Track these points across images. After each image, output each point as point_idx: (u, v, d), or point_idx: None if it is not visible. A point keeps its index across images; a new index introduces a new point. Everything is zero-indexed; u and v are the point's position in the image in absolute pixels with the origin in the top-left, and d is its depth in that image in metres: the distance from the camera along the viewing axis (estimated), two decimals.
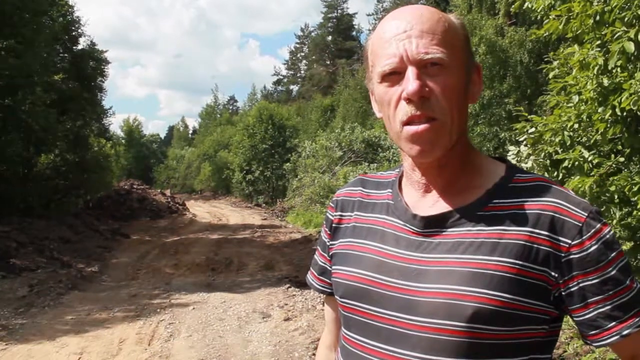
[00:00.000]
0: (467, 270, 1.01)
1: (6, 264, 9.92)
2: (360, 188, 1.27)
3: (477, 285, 0.99)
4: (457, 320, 0.98)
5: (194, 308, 7.70)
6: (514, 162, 5.12)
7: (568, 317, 1.07)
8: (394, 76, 1.04)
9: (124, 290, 8.93)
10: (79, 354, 5.89)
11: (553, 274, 1.00)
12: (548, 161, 4.37)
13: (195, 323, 7.00)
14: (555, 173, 4.33)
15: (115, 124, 72.73)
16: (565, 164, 4.01)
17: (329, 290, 1.29)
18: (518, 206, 1.04)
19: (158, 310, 7.60)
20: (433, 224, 1.08)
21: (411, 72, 1.01)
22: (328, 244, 1.29)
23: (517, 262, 1.00)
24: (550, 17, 4.12)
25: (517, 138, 5.21)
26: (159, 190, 28.31)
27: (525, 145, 4.93)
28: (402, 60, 1.02)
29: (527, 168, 4.87)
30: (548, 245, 1.00)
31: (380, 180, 1.26)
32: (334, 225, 1.27)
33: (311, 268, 1.39)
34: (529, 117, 4.71)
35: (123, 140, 46.56)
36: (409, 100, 1.01)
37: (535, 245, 1.00)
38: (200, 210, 26.53)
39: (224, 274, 10.44)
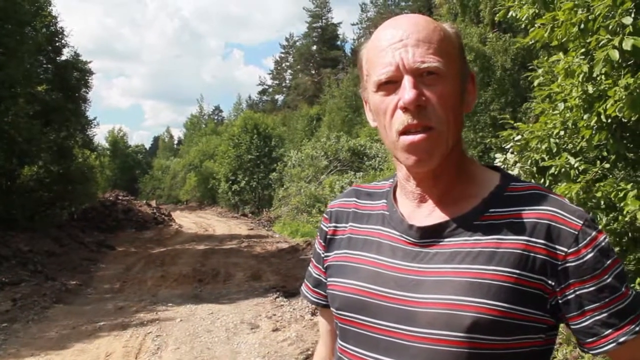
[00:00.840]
0: (464, 280, 1.00)
1: None
2: (355, 199, 1.26)
3: (475, 295, 0.99)
4: (456, 331, 0.98)
5: (181, 320, 7.62)
6: None
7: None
8: (389, 85, 1.03)
9: (110, 303, 8.82)
10: None
11: (550, 282, 1.00)
12: (534, 168, 4.40)
13: (183, 335, 6.93)
14: (542, 180, 4.36)
15: (100, 135, 72.27)
16: (552, 170, 4.04)
17: (324, 303, 1.28)
18: (514, 215, 1.04)
19: (145, 322, 7.52)
20: (429, 234, 1.07)
21: (407, 81, 1.00)
22: (323, 255, 1.27)
23: (514, 271, 0.99)
24: (536, 25, 4.16)
25: (503, 145, 5.24)
26: (144, 201, 28.11)
27: (512, 153, 4.96)
28: (398, 69, 1.01)
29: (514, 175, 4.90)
30: (544, 253, 1.00)
31: (374, 190, 1.25)
32: (328, 236, 1.26)
33: (305, 280, 1.37)
34: (514, 124, 4.75)
35: (108, 151, 46.23)
36: (405, 110, 1.01)
37: (532, 254, 1.00)
38: (187, 220, 26.37)
39: (211, 285, 10.36)
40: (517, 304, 0.99)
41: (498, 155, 5.36)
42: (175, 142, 70.83)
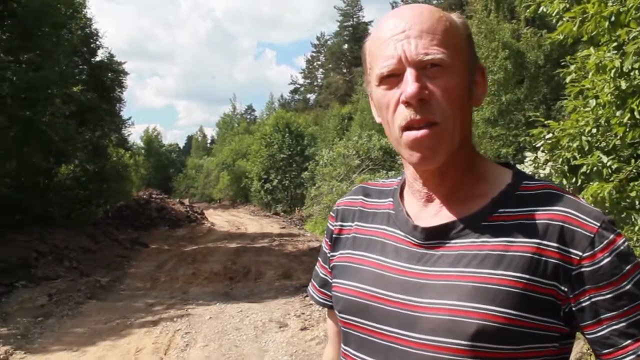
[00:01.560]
0: (470, 284, 0.95)
1: (26, 273, 10.02)
2: (362, 197, 1.22)
3: (481, 301, 0.93)
4: (460, 339, 0.93)
5: (210, 317, 7.69)
6: (531, 168, 5.05)
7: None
8: (392, 78, 0.99)
9: (141, 300, 8.96)
10: None
11: (563, 288, 0.94)
12: (566, 167, 4.28)
13: (212, 332, 6.99)
14: (574, 179, 4.25)
15: (135, 134, 73.33)
16: (584, 169, 3.93)
17: (330, 304, 1.24)
18: (525, 216, 0.99)
19: (175, 319, 7.61)
20: (435, 235, 1.03)
21: (410, 74, 0.96)
22: (329, 255, 1.24)
23: (524, 276, 0.94)
24: (564, 18, 4.05)
25: (534, 144, 5.13)
26: (177, 200, 28.48)
27: (543, 151, 4.85)
28: (400, 61, 0.97)
29: (544, 174, 4.80)
30: (557, 257, 0.94)
31: (381, 188, 1.21)
32: (334, 235, 1.22)
33: (312, 279, 1.33)
34: (545, 122, 4.64)
35: (143, 150, 46.98)
36: (407, 104, 0.96)
37: (544, 258, 0.94)
38: (219, 219, 26.62)
39: (242, 283, 10.44)
40: (526, 311, 0.93)
41: (528, 153, 5.24)
42: (209, 141, 71.55)
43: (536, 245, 0.95)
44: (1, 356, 6.16)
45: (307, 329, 7.04)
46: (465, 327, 0.93)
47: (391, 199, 1.15)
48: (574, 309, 0.95)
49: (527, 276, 0.94)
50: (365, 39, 1.10)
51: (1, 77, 12.69)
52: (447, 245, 1.01)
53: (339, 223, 1.22)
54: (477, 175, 1.07)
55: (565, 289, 0.94)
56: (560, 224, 0.96)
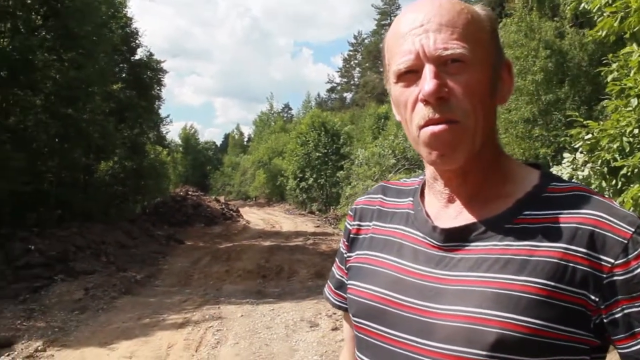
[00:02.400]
0: (490, 291, 0.89)
1: (65, 267, 10.25)
2: (381, 196, 1.16)
3: (502, 308, 0.87)
4: (478, 348, 0.87)
5: (242, 315, 7.72)
6: (568, 169, 4.90)
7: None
8: (410, 75, 0.93)
9: (175, 296, 9.06)
10: (128, 358, 5.99)
11: (593, 297, 0.87)
12: (605, 169, 4.13)
13: (243, 330, 7.01)
14: (614, 181, 4.09)
15: (173, 132, 74.69)
16: (624, 171, 3.77)
17: (346, 306, 1.17)
18: (552, 219, 0.92)
19: (207, 316, 7.66)
20: (455, 238, 0.96)
21: (428, 70, 0.90)
22: (345, 255, 1.18)
23: (549, 283, 0.87)
24: (605, 14, 3.88)
25: (572, 145, 4.98)
26: (213, 197, 28.79)
27: (582, 152, 4.69)
28: (418, 57, 0.91)
29: (583, 176, 4.65)
30: (586, 264, 0.87)
31: (402, 187, 1.15)
32: (351, 235, 1.17)
33: (328, 281, 1.28)
34: (584, 122, 4.48)
35: (180, 148, 47.64)
36: (426, 102, 0.90)
37: (571, 264, 0.87)
38: (254, 217, 26.81)
39: (274, 282, 10.46)
40: (551, 320, 0.86)
41: (566, 154, 5.09)
42: (245, 139, 72.12)
43: (564, 251, 0.88)
44: (39, 348, 6.30)
45: (338, 329, 6.98)
46: (484, 336, 0.86)
47: (411, 199, 1.10)
48: (605, 320, 0.88)
49: (553, 283, 0.87)
50: (384, 35, 1.04)
51: (45, 75, 13.05)
52: (467, 248, 0.95)
53: (357, 222, 1.17)
54: (501, 176, 1.00)
55: (596, 299, 0.87)
56: (591, 228, 0.89)
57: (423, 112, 0.91)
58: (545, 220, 0.92)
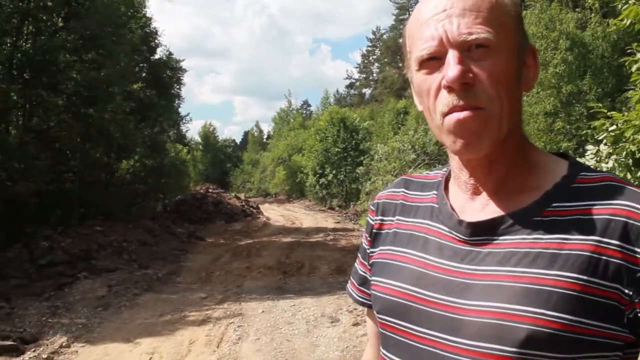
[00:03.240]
0: (520, 285, 0.86)
1: (88, 265, 10.39)
2: (404, 190, 1.13)
3: (532, 304, 0.84)
4: (508, 345, 0.84)
5: (263, 311, 7.74)
6: (592, 162, 4.82)
7: None
8: (433, 62, 0.91)
9: (196, 293, 9.11)
10: (151, 354, 6.04)
11: (626, 291, 0.83)
12: (631, 160, 4.04)
13: (264, 326, 7.02)
14: (639, 173, 4.01)
15: (193, 130, 75.18)
16: None
17: (370, 303, 1.15)
18: (583, 210, 0.88)
19: (228, 313, 7.70)
20: (482, 231, 0.94)
21: (452, 55, 0.87)
22: (368, 251, 1.16)
23: (581, 277, 0.84)
24: (630, 1, 3.80)
25: (596, 137, 4.89)
26: (233, 194, 28.93)
27: (605, 144, 4.61)
28: (441, 42, 0.89)
29: (607, 168, 4.56)
30: (620, 257, 0.84)
31: (425, 180, 1.12)
32: (374, 230, 1.14)
33: (351, 277, 1.25)
34: (608, 114, 4.40)
35: (200, 146, 47.92)
36: (449, 89, 0.88)
37: (604, 257, 0.84)
38: (274, 213, 26.86)
39: (295, 278, 10.46)
40: (584, 316, 0.83)
41: (589, 147, 5.00)
42: (265, 136, 72.34)
43: (595, 243, 0.85)
44: (64, 344, 6.38)
45: (359, 325, 6.97)
46: (513, 333, 0.84)
47: (435, 192, 1.07)
48: (639, 315, 0.85)
49: (585, 277, 0.84)
50: (405, 22, 1.02)
51: (66, 76, 13.22)
52: (494, 242, 0.92)
53: (380, 217, 1.14)
54: (528, 166, 0.97)
55: (630, 293, 0.84)
56: (624, 219, 0.85)
57: (447, 99, 0.89)
58: (576, 212, 0.89)
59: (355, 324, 7.00)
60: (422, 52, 0.91)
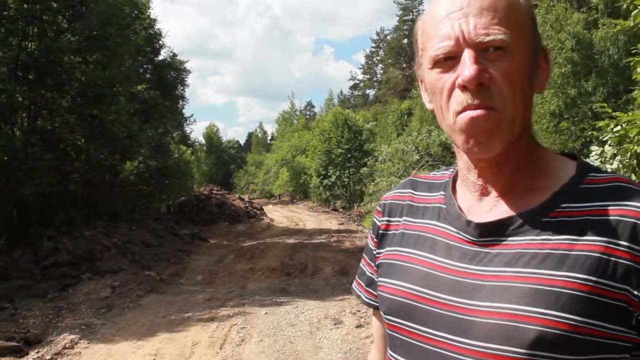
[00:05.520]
0: (529, 286, 0.86)
1: (92, 266, 10.41)
2: (411, 190, 1.14)
3: (542, 304, 0.84)
4: (517, 346, 0.84)
5: (266, 313, 7.74)
6: (597, 163, 4.79)
7: None
8: (448, 61, 0.91)
9: (200, 294, 9.12)
10: (154, 355, 6.05)
11: (635, 292, 0.84)
12: (635, 161, 4.03)
13: (267, 328, 7.02)
14: None
15: (197, 131, 75.30)
16: None
17: (377, 304, 1.15)
18: (592, 211, 0.89)
19: (231, 314, 7.70)
20: (490, 232, 0.94)
21: (468, 55, 0.88)
22: (375, 252, 1.16)
23: (590, 278, 0.84)
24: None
25: (601, 138, 4.87)
26: (237, 195, 28.93)
27: (610, 145, 4.59)
28: (457, 42, 0.89)
29: (612, 169, 4.54)
30: (629, 258, 0.84)
31: (432, 181, 1.13)
32: (380, 231, 1.14)
33: (357, 277, 1.25)
34: (613, 114, 4.38)
35: (204, 147, 47.93)
36: (464, 88, 0.88)
37: (613, 259, 0.84)
38: (278, 215, 26.85)
39: (299, 279, 10.46)
40: (593, 317, 0.83)
41: (594, 147, 4.99)
42: (269, 137, 72.36)
43: (605, 244, 0.85)
44: (67, 345, 6.40)
45: (362, 327, 6.96)
46: (523, 334, 0.84)
47: (442, 193, 1.08)
48: None
49: (594, 278, 0.84)
50: (418, 18, 1.02)
51: (71, 77, 13.24)
52: (503, 242, 0.92)
53: (386, 218, 1.15)
54: (537, 167, 0.98)
55: (639, 294, 0.84)
56: (633, 220, 0.86)
57: (461, 97, 0.89)
58: (585, 213, 0.89)
59: (359, 326, 6.99)
60: (437, 52, 0.91)
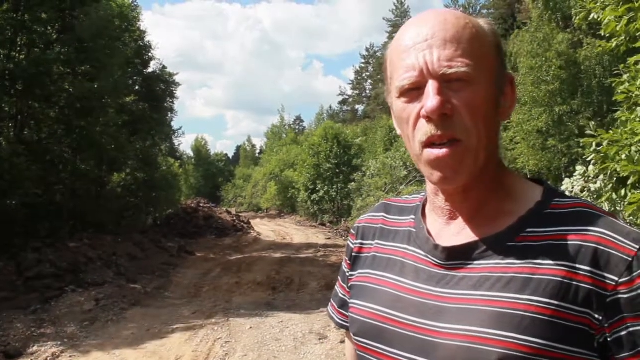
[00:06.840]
0: (492, 309, 0.87)
1: (76, 278, 10.30)
2: (383, 214, 1.15)
3: (504, 327, 0.85)
4: None
5: (251, 327, 7.69)
6: (580, 182, 4.85)
7: None
8: (413, 91, 0.92)
9: (185, 308, 9.05)
10: None
11: (596, 316, 0.85)
12: (615, 179, 4.08)
13: (252, 342, 6.98)
14: (624, 191, 4.05)
15: (186, 144, 75.15)
16: (631, 180, 3.73)
17: (348, 325, 1.16)
18: (555, 236, 0.90)
19: (216, 328, 7.65)
20: (457, 256, 0.95)
21: (431, 86, 0.89)
22: (348, 274, 1.17)
23: (552, 302, 0.85)
24: (608, 17, 3.84)
25: (585, 157, 4.93)
26: (224, 209, 28.84)
27: (594, 164, 4.65)
28: (422, 73, 0.90)
29: (595, 188, 4.60)
30: (590, 282, 0.85)
31: (404, 205, 1.14)
32: (354, 254, 1.16)
33: (332, 299, 1.27)
34: (594, 132, 4.45)
35: (192, 160, 47.79)
36: (428, 119, 0.89)
37: (575, 283, 0.86)
38: (265, 228, 26.77)
39: (284, 294, 10.42)
40: (555, 340, 0.84)
41: (579, 167, 5.03)
42: (257, 151, 72.35)
43: (567, 269, 0.87)
44: (48, 358, 6.33)
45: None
46: (485, 356, 0.85)
47: (413, 217, 1.09)
48: (609, 339, 0.86)
49: (556, 302, 0.85)
50: (387, 46, 1.03)
51: (59, 88, 13.21)
52: (469, 266, 0.94)
53: (359, 241, 1.16)
54: (504, 192, 0.99)
55: (600, 318, 0.85)
56: (594, 245, 0.87)
57: (425, 128, 0.91)
58: (548, 238, 0.91)
59: (343, 342, 6.95)
60: (403, 82, 0.93)
